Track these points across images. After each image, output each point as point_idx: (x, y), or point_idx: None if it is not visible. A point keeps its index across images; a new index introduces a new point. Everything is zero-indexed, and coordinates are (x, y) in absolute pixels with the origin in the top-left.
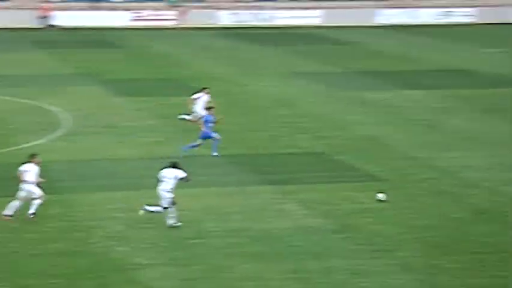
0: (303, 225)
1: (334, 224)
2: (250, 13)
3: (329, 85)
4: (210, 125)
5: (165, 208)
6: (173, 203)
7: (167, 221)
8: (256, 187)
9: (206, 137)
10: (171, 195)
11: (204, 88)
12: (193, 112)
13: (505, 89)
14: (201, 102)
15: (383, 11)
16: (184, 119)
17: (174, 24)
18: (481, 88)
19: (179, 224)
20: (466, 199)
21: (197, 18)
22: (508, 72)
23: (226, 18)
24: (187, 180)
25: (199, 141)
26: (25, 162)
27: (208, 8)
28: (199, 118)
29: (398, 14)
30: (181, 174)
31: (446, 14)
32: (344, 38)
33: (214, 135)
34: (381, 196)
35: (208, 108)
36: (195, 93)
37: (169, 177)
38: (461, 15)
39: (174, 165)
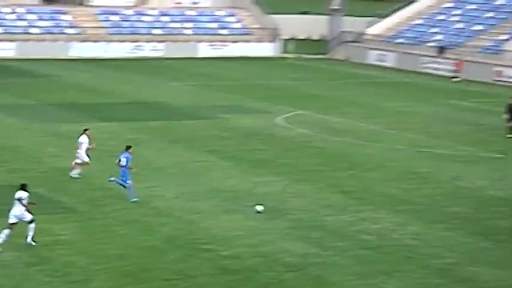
0: None
1: (30, 256)
2: None
3: (24, 118)
4: (128, 164)
5: (30, 222)
6: (31, 221)
7: (27, 239)
8: None
9: (125, 177)
10: (26, 214)
11: (86, 129)
12: (79, 155)
13: (192, 121)
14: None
15: (76, 44)
16: (83, 161)
17: None
18: (170, 120)
19: (34, 243)
20: (157, 228)
21: None
22: (195, 105)
23: None
24: (29, 203)
25: (127, 184)
26: None
27: None
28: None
29: (91, 48)
30: (24, 196)
31: (136, 49)
32: (39, 71)
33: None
34: (259, 208)
35: (127, 148)
36: (80, 135)
37: (22, 198)
38: (150, 50)
39: (23, 187)
